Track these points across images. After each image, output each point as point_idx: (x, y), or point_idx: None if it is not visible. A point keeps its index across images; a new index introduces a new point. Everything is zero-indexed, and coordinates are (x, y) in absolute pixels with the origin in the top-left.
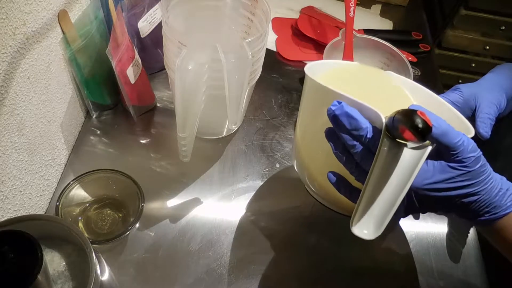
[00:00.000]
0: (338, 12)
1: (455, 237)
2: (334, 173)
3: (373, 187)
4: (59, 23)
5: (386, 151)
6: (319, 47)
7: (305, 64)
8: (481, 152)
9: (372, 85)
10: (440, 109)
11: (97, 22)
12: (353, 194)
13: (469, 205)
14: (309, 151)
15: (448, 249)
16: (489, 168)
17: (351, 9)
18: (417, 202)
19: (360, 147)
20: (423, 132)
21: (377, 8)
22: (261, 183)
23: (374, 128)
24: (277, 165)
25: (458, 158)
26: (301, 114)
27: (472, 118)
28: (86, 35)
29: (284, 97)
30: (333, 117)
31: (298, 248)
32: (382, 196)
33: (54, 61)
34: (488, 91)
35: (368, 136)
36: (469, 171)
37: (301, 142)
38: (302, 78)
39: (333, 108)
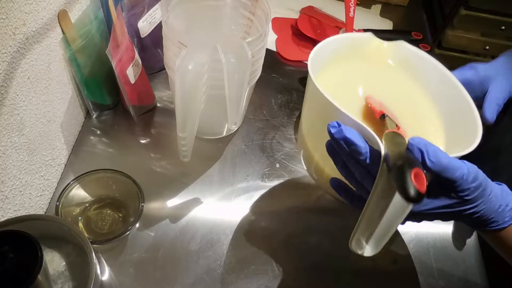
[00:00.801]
0: (338, 12)
1: (455, 237)
2: (335, 179)
3: (372, 211)
4: (59, 23)
5: (384, 182)
6: None
7: (305, 64)
8: (481, 176)
9: (380, 77)
10: (453, 93)
11: (97, 22)
12: (354, 201)
13: (467, 219)
14: (315, 141)
15: (448, 249)
16: (489, 186)
17: (351, 9)
18: (415, 216)
19: (359, 168)
20: (414, 201)
21: (377, 8)
22: (261, 183)
23: (372, 151)
24: (277, 165)
25: (458, 189)
26: (306, 104)
27: (481, 99)
28: (86, 35)
29: (284, 97)
30: (332, 139)
31: (298, 248)
32: (380, 221)
33: (54, 61)
34: (503, 75)
35: (367, 162)
36: (469, 199)
37: (306, 132)
38: (302, 78)
39: (332, 131)
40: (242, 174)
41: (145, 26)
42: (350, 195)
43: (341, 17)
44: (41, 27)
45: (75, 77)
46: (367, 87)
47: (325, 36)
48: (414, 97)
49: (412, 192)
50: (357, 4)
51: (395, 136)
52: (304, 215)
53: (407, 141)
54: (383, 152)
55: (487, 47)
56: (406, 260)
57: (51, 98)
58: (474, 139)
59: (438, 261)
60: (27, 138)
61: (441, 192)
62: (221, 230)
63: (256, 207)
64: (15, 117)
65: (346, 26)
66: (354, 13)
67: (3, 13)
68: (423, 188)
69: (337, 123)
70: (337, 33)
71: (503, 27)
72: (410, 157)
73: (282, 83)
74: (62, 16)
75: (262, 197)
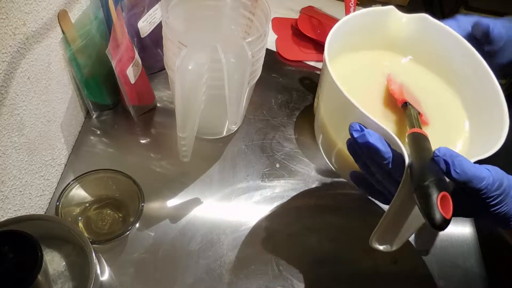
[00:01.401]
0: (338, 12)
1: (455, 237)
2: (356, 173)
3: (393, 215)
4: (59, 23)
5: (407, 192)
6: (319, 47)
7: (305, 64)
8: (505, 182)
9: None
10: (477, 72)
11: (97, 22)
12: (374, 194)
13: (489, 217)
14: (337, 128)
15: (448, 249)
16: None
17: (351, 9)
18: None
19: (380, 169)
20: (439, 228)
21: None
22: (261, 183)
23: (395, 155)
24: (277, 165)
25: (483, 197)
26: (325, 91)
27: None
28: (86, 35)
29: (284, 97)
30: (355, 142)
31: (298, 249)
32: (401, 223)
33: (54, 61)
34: None
35: (390, 166)
36: (493, 204)
37: (326, 117)
38: (302, 78)
39: (355, 135)
40: (242, 174)
41: (145, 26)
42: (370, 188)
43: (341, 17)
44: (41, 27)
45: (75, 77)
46: (387, 71)
47: (325, 36)
48: (435, 85)
49: (437, 219)
50: (357, 4)
51: (419, 139)
52: (304, 215)
53: (431, 145)
54: (407, 161)
55: None
56: (406, 260)
57: (51, 98)
58: (500, 132)
59: (438, 261)
60: (27, 138)
61: (465, 196)
62: (221, 230)
63: (256, 207)
64: (15, 117)
65: None
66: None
67: (3, 13)
68: (449, 214)
69: (360, 126)
70: None
71: None
72: (436, 175)
73: (282, 83)
74: (62, 16)
75: (262, 197)
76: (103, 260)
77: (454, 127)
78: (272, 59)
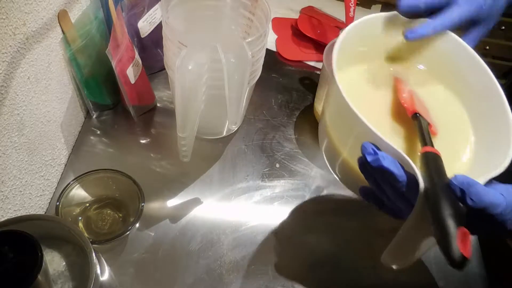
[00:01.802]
0: (338, 12)
1: None
2: (365, 189)
3: (407, 235)
4: (59, 23)
5: (421, 215)
6: (319, 47)
7: (305, 64)
8: None
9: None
10: (482, 80)
11: (97, 22)
12: (384, 208)
13: (501, 233)
14: (342, 137)
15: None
16: None
17: (351, 9)
18: None
19: (393, 191)
20: (457, 267)
21: (377, 8)
22: (261, 183)
23: (410, 178)
24: (277, 165)
25: (497, 221)
26: (330, 100)
27: None
28: (86, 35)
29: (284, 97)
30: (368, 165)
31: (298, 248)
32: (416, 243)
33: (54, 61)
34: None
35: (404, 189)
36: (505, 225)
37: (330, 123)
38: (302, 78)
39: (368, 159)
40: (242, 174)
41: (145, 26)
42: (379, 204)
43: (341, 17)
44: (41, 27)
45: (75, 77)
46: (392, 79)
47: (325, 36)
48: (441, 93)
49: (456, 258)
50: (357, 4)
51: (433, 161)
52: (304, 216)
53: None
54: (421, 187)
55: (487, 47)
56: None
57: (51, 98)
58: (507, 150)
59: (438, 262)
60: (27, 138)
61: (478, 219)
62: (221, 230)
63: (256, 207)
64: (15, 117)
65: (346, 26)
66: (354, 13)
67: (3, 13)
68: (468, 252)
69: (373, 149)
70: (337, 33)
71: (503, 27)
72: (454, 206)
73: (282, 83)
74: (62, 16)
75: (262, 197)
76: (103, 260)
77: (460, 138)
78: (272, 59)
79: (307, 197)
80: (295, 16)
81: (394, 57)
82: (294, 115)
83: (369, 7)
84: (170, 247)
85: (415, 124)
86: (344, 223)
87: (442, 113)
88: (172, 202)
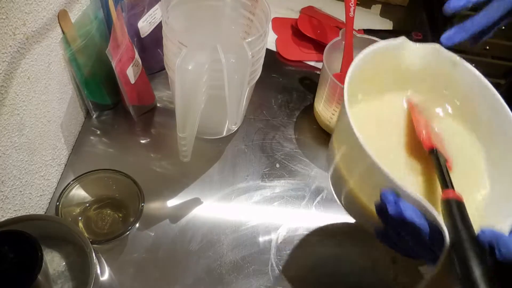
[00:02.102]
0: (338, 12)
1: None
2: (382, 232)
3: (431, 284)
4: (59, 23)
5: (446, 269)
6: (319, 47)
7: (305, 64)
8: None
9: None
10: (496, 110)
11: (97, 22)
12: (401, 252)
13: None
14: (350, 166)
15: None
16: None
17: (351, 9)
18: None
19: (413, 238)
20: None
21: (377, 8)
22: (261, 183)
23: (433, 229)
24: (277, 165)
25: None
26: (342, 133)
27: None
28: (86, 35)
29: (284, 97)
30: (387, 211)
31: (299, 249)
32: None
33: (54, 61)
34: None
35: (426, 240)
36: None
37: (338, 150)
38: (302, 78)
39: (389, 209)
40: (242, 174)
41: (145, 26)
42: (397, 247)
43: (341, 17)
44: (41, 27)
45: (75, 77)
46: (404, 111)
47: (325, 36)
48: (454, 126)
49: None
50: (357, 4)
51: (458, 209)
52: (305, 215)
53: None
54: (447, 242)
55: (487, 47)
56: (406, 260)
57: (51, 98)
58: None
59: None
60: (27, 138)
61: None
62: (221, 230)
63: (256, 207)
64: (15, 117)
65: (346, 26)
66: (354, 13)
67: (3, 13)
68: None
69: (394, 198)
70: (337, 33)
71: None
72: (483, 263)
73: (282, 83)
74: (62, 16)
75: (262, 197)
76: (103, 260)
77: (473, 176)
78: (272, 59)
79: (307, 197)
80: (295, 16)
81: (406, 86)
82: (294, 115)
83: (369, 7)
84: (170, 247)
85: (432, 158)
86: (344, 224)
87: (454, 145)
88: (172, 202)
